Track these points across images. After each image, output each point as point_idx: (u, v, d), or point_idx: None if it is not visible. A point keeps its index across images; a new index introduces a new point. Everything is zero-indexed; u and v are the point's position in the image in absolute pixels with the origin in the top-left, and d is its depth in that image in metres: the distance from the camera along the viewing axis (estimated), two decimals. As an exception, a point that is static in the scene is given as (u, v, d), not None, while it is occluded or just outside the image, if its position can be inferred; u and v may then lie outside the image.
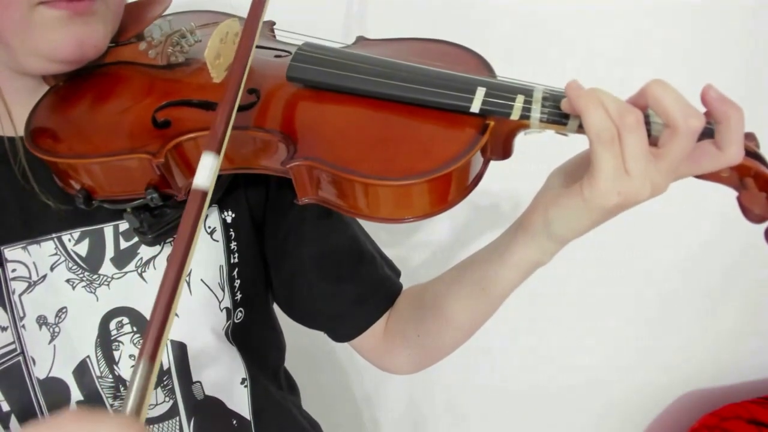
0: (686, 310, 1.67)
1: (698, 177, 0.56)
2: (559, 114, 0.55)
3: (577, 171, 0.60)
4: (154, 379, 0.48)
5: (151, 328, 0.48)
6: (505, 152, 0.60)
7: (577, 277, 1.50)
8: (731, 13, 1.25)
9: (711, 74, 1.26)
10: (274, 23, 0.77)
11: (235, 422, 0.79)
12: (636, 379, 1.78)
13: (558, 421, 1.82)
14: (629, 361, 1.73)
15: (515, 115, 0.56)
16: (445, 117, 0.58)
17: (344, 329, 0.85)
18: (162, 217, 0.68)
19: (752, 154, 0.54)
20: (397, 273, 0.89)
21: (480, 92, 0.57)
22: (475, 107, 0.56)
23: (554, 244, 0.63)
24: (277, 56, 0.68)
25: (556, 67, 1.15)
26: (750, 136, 0.56)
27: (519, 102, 0.56)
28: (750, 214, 0.54)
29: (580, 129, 0.54)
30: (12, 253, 0.67)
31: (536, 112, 0.55)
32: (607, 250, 1.46)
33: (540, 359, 1.66)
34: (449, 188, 0.56)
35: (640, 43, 1.24)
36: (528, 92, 0.56)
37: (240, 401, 0.80)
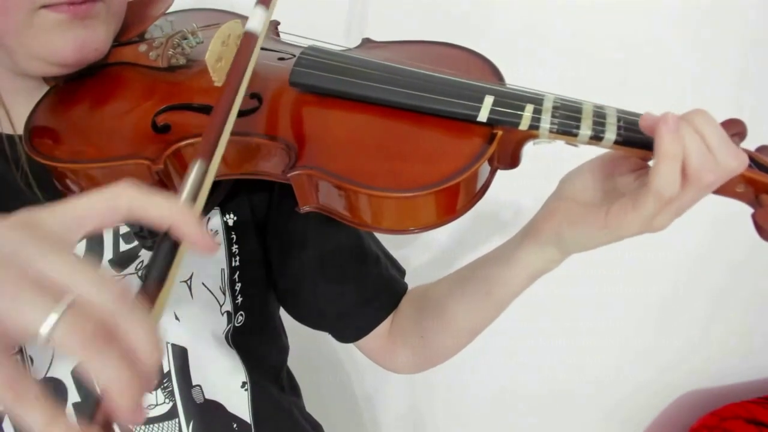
0: (686, 310, 1.67)
1: (713, 192, 0.54)
2: (570, 125, 0.54)
3: (597, 185, 0.60)
4: (209, 181, 0.45)
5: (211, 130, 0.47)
6: (513, 162, 0.59)
7: (578, 278, 1.50)
8: (731, 12, 1.24)
9: (710, 74, 1.27)
10: (278, 23, 0.76)
11: (235, 426, 0.79)
12: (636, 379, 1.78)
13: (558, 421, 1.83)
14: (629, 362, 1.73)
15: (524, 125, 0.54)
16: (452, 125, 0.56)
17: (349, 330, 0.85)
18: None
19: (767, 169, 0.53)
20: (402, 272, 0.89)
21: (488, 101, 0.55)
22: (483, 116, 0.55)
23: (562, 255, 0.64)
24: (280, 59, 0.67)
25: (556, 67, 1.14)
26: (765, 150, 0.55)
27: (528, 111, 0.54)
28: (764, 233, 0.53)
29: (592, 140, 0.53)
30: None
31: (546, 123, 0.54)
32: (608, 250, 1.45)
33: (540, 359, 1.66)
34: (455, 199, 0.55)
35: (640, 44, 1.23)
36: (538, 101, 0.55)
37: (240, 405, 0.79)
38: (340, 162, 0.55)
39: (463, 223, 1.34)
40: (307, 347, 1.23)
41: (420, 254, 1.40)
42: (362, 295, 0.82)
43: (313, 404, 1.00)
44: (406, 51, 0.68)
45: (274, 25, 0.76)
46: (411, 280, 0.88)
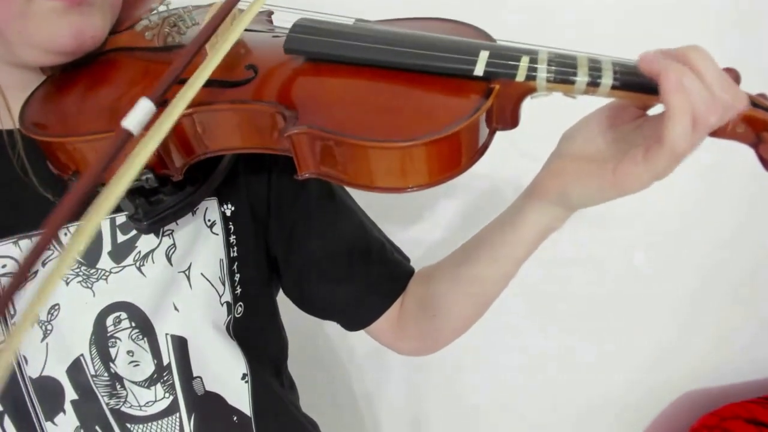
0: (686, 309, 1.67)
1: (714, 135, 0.55)
2: (567, 72, 0.54)
3: (598, 139, 0.60)
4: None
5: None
6: (513, 121, 0.59)
7: (578, 277, 1.50)
8: (730, 11, 1.27)
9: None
10: (272, 12, 0.77)
11: (235, 418, 0.78)
12: (636, 379, 1.78)
13: (557, 421, 1.82)
14: (629, 361, 1.74)
15: (521, 76, 0.54)
16: (449, 83, 0.56)
17: (358, 318, 0.85)
18: (158, 204, 0.66)
19: (766, 108, 0.54)
20: (406, 258, 0.89)
21: (483, 55, 0.56)
22: (479, 70, 0.55)
23: (568, 213, 0.64)
24: (275, 36, 0.68)
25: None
26: (764, 96, 0.56)
27: (524, 62, 0.55)
28: None
29: (589, 87, 0.54)
30: (2, 248, 0.65)
31: (543, 72, 0.54)
32: (607, 249, 1.47)
33: (540, 359, 1.67)
34: (455, 153, 0.55)
35: (640, 41, 1.24)
36: (533, 53, 0.56)
37: (240, 397, 0.78)
38: (339, 120, 0.55)
39: (462, 218, 1.36)
40: (306, 346, 1.22)
41: (417, 251, 1.38)
42: (369, 283, 0.82)
43: (312, 403, 1.00)
44: (399, 26, 0.68)
45: (267, 14, 0.77)
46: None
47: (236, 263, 0.76)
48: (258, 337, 0.82)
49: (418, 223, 1.35)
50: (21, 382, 0.67)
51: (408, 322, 0.84)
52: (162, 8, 0.71)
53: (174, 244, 0.71)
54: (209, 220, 0.73)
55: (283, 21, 0.73)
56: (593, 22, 1.23)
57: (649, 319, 1.66)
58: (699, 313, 1.69)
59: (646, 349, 1.72)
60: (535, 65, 0.55)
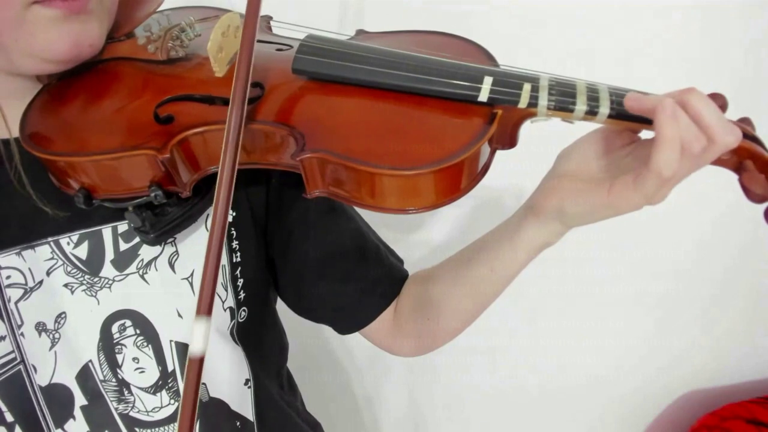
0: (686, 310, 1.67)
1: None
2: (567, 101, 0.55)
3: (593, 161, 0.62)
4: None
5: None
6: (511, 141, 0.60)
7: (577, 278, 1.50)
8: (731, 12, 1.26)
9: (711, 73, 1.28)
10: (271, 18, 0.77)
11: (239, 424, 0.79)
12: (636, 379, 1.78)
13: (557, 421, 1.83)
14: (629, 361, 1.74)
15: (523, 103, 0.56)
16: (453, 107, 0.57)
17: (353, 320, 0.85)
18: (164, 216, 0.66)
19: (749, 137, 0.55)
20: (401, 261, 0.90)
21: (487, 81, 0.56)
22: (483, 96, 0.56)
23: (565, 229, 0.65)
24: (278, 50, 0.68)
25: (556, 67, 1.15)
26: (746, 120, 0.57)
27: (526, 90, 0.56)
28: (751, 194, 0.55)
29: (587, 116, 0.55)
30: (5, 259, 0.65)
31: (543, 100, 0.55)
32: (607, 250, 1.46)
33: (540, 359, 1.67)
34: (458, 178, 0.56)
35: (641, 42, 1.24)
36: (534, 80, 0.57)
37: (244, 402, 0.79)
38: (347, 144, 0.55)
39: (463, 220, 1.36)
40: (306, 348, 1.23)
41: (417, 251, 1.39)
42: (365, 286, 0.83)
43: (313, 404, 1.00)
44: (401, 40, 0.69)
45: (266, 20, 0.76)
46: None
47: (239, 268, 0.76)
48: (261, 341, 0.83)
49: (420, 226, 1.36)
50: (30, 391, 0.67)
51: (405, 323, 0.84)
52: (163, 18, 0.70)
53: (176, 252, 0.71)
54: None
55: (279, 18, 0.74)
56: (592, 25, 1.22)
57: (649, 319, 1.66)
58: (700, 313, 1.69)
59: (647, 349, 1.72)
60: (537, 93, 0.56)
